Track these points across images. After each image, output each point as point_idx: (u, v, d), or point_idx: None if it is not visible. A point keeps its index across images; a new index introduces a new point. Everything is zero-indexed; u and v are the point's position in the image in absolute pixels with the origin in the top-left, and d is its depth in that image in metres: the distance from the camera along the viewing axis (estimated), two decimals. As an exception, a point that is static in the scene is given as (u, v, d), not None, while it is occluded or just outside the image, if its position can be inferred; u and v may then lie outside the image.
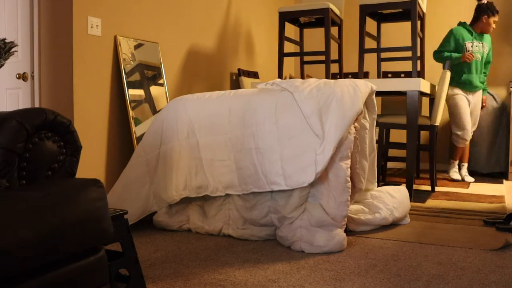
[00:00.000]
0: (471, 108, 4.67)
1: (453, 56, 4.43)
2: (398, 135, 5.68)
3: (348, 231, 2.63)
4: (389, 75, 5.09)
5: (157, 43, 3.84)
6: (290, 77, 6.05)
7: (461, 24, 4.68)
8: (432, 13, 5.64)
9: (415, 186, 4.34)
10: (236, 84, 4.95)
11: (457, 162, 4.79)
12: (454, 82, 4.63)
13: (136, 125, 3.52)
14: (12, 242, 1.12)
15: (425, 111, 5.57)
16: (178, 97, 2.99)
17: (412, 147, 3.59)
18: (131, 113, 3.51)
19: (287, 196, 2.43)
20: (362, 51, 4.13)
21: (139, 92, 3.62)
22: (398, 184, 4.45)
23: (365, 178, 2.70)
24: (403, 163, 5.75)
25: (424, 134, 5.58)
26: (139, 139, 3.54)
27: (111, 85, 3.46)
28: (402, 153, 5.64)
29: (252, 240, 2.55)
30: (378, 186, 4.26)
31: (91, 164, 3.31)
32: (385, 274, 2.02)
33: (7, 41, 1.66)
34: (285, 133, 2.44)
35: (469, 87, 4.63)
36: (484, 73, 4.77)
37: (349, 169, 2.34)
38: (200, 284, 1.90)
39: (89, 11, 3.26)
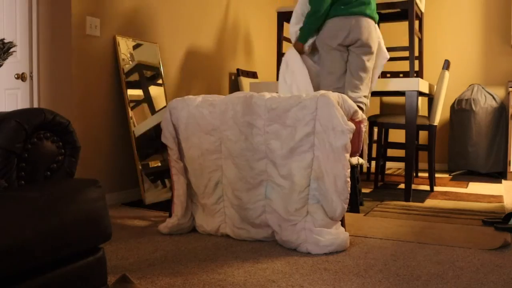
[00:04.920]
0: None
1: None
2: (397, 135, 5.68)
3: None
4: (388, 75, 5.09)
5: (156, 43, 3.84)
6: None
7: None
8: (432, 13, 5.64)
9: (414, 186, 4.34)
10: (235, 84, 4.95)
11: None
12: None
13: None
14: (11, 242, 1.12)
15: (423, 111, 5.58)
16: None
17: (411, 147, 3.60)
18: (130, 113, 3.51)
19: (283, 195, 2.42)
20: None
21: (138, 92, 3.62)
22: (397, 183, 4.46)
23: None
24: (402, 163, 5.76)
25: (422, 134, 5.59)
26: (138, 139, 3.54)
27: (110, 85, 3.46)
28: (401, 153, 5.65)
29: (250, 240, 2.56)
30: (377, 186, 4.26)
31: (90, 164, 3.31)
32: (384, 273, 2.03)
33: (5, 41, 1.66)
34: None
35: None
36: None
37: (349, 169, 2.34)
38: (199, 284, 1.90)
39: (88, 11, 3.26)
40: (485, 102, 5.05)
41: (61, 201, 1.30)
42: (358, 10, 3.14)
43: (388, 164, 5.90)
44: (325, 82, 3.25)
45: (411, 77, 3.82)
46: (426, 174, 5.13)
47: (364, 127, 2.58)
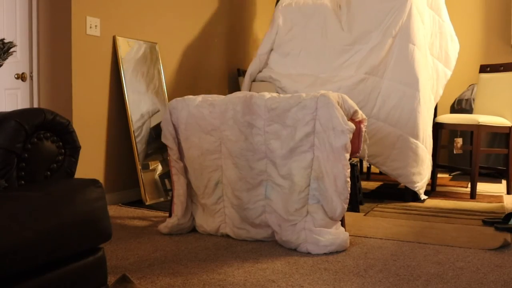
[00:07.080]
0: None
1: None
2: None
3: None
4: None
5: (156, 43, 3.84)
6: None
7: None
8: (431, 13, 5.64)
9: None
10: (235, 84, 4.95)
11: None
12: None
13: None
14: (11, 242, 1.12)
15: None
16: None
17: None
18: (130, 112, 3.51)
19: (283, 195, 2.42)
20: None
21: (138, 92, 3.62)
22: (397, 183, 4.46)
23: None
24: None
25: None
26: (138, 139, 3.54)
27: (110, 85, 3.46)
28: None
29: (250, 240, 2.56)
30: (378, 186, 4.26)
31: (90, 164, 3.31)
32: (384, 273, 2.03)
33: (6, 41, 1.66)
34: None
35: None
36: None
37: (349, 169, 2.35)
38: (199, 284, 1.90)
39: (88, 11, 3.26)
40: (485, 102, 5.04)
41: (61, 201, 1.30)
42: None
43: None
44: None
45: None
46: (426, 174, 5.12)
47: (364, 127, 2.58)
